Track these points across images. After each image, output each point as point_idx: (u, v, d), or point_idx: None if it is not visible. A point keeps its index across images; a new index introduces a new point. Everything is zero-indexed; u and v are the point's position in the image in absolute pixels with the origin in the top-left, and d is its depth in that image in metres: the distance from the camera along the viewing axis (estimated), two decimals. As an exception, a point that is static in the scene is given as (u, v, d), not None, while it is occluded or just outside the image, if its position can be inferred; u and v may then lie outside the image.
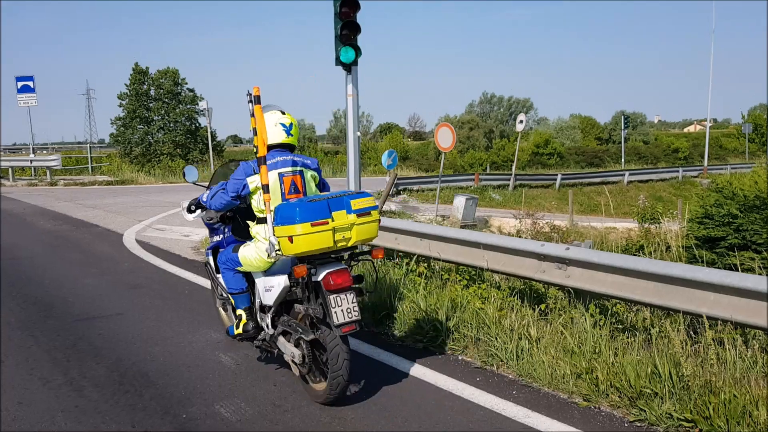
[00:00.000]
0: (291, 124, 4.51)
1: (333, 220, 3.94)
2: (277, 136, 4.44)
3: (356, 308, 4.03)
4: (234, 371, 4.79)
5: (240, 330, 4.76)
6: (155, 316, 6.27)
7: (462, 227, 14.25)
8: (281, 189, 4.37)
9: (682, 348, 4.38)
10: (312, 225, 3.87)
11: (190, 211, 5.21)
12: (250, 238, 4.59)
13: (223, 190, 4.53)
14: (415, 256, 6.76)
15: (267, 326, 4.57)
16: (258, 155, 4.15)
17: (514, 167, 29.21)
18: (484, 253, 5.92)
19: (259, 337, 4.70)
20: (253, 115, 4.19)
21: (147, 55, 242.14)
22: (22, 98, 25.41)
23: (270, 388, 4.47)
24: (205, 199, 4.89)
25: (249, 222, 4.60)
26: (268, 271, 4.51)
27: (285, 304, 4.46)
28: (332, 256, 4.17)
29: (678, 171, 35.78)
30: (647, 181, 33.23)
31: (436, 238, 6.53)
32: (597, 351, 4.55)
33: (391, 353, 5.15)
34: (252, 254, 4.45)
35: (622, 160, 42.91)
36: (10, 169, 24.94)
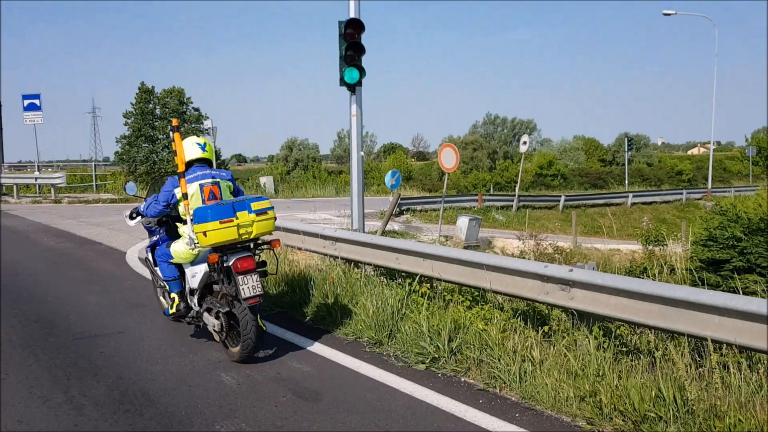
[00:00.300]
0: (205, 144, 5.82)
1: (237, 219, 5.18)
2: (194, 153, 5.74)
3: (259, 285, 5.27)
4: (235, 391, 4.77)
5: (174, 310, 6.07)
6: (157, 335, 6.25)
7: (465, 248, 14.22)
8: (202, 196, 5.59)
9: (687, 371, 4.34)
10: (221, 222, 5.12)
11: (131, 218, 6.43)
12: (179, 236, 5.86)
13: (156, 201, 5.74)
14: (418, 277, 6.74)
15: (194, 305, 5.85)
16: (178, 171, 5.33)
17: (517, 188, 29.21)
18: (486, 274, 5.90)
19: (189, 314, 5.98)
20: (173, 140, 5.33)
21: (153, 75, 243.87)
22: (28, 116, 25.55)
23: (271, 409, 4.44)
24: (142, 209, 6.12)
25: (178, 224, 5.87)
26: (194, 262, 5.81)
27: (207, 286, 5.72)
28: (239, 246, 5.37)
29: (682, 193, 35.76)
30: (651, 203, 33.20)
31: (439, 259, 6.51)
32: (601, 374, 4.51)
33: (393, 374, 5.12)
34: (181, 248, 5.72)
35: (626, 181, 42.93)
36: (14, 186, 25.02)
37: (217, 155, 32.09)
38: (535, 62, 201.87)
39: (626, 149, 44.20)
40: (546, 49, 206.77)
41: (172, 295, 6.06)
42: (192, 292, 5.89)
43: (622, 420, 4.06)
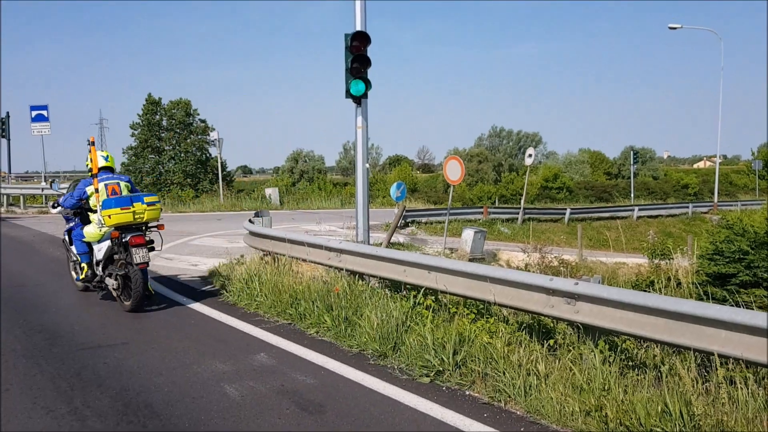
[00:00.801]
0: (107, 156, 8.29)
1: (133, 207, 7.56)
2: (102, 162, 8.10)
3: (147, 255, 7.60)
4: (239, 403, 4.75)
5: (83, 276, 8.33)
6: (161, 346, 6.24)
7: (470, 260, 14.19)
8: (106, 192, 7.81)
9: (693, 386, 4.31)
10: (121, 209, 7.49)
11: (53, 207, 8.60)
12: (90, 222, 8.14)
13: (71, 196, 8.07)
14: (423, 289, 6.72)
15: (99, 272, 8.08)
16: (91, 174, 7.85)
17: (523, 201, 29.16)
18: (492, 286, 5.88)
19: (95, 280, 8.22)
20: (90, 152, 7.81)
21: (160, 86, 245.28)
22: (36, 127, 25.72)
23: (275, 421, 4.42)
24: (61, 201, 8.29)
25: (89, 213, 8.15)
26: (100, 241, 8.05)
27: (110, 258, 7.88)
28: (134, 227, 7.67)
29: (688, 207, 35.63)
30: (657, 216, 33.08)
31: (444, 271, 6.49)
32: (606, 388, 4.48)
33: (397, 387, 5.09)
34: (92, 230, 8.07)
35: (632, 195, 42.85)
36: (21, 197, 25.13)
37: (223, 167, 32.23)
38: (540, 75, 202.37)
39: (632, 162, 44.16)
40: (551, 62, 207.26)
41: (83, 265, 8.33)
42: (98, 263, 8.07)
43: (628, 435, 4.02)
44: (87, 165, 7.99)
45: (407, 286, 7.17)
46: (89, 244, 8.20)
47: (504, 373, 4.93)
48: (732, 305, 5.48)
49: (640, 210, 33.02)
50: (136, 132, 37.92)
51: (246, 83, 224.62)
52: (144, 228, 7.79)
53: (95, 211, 7.84)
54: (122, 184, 8.00)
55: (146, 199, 7.67)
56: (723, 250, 9.16)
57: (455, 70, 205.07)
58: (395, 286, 7.52)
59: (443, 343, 5.54)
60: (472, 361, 5.27)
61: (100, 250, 7.99)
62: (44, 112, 25.75)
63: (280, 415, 4.52)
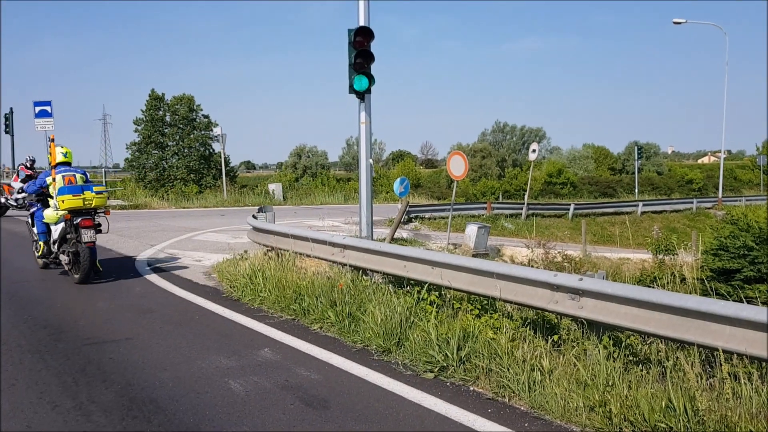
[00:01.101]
0: (66, 152, 9.54)
1: (83, 195, 9.00)
2: (60, 157, 9.42)
3: (95, 235, 9.00)
4: (243, 398, 4.76)
5: (40, 252, 9.94)
6: (165, 341, 6.26)
7: (474, 256, 14.18)
8: (63, 182, 9.09)
9: (697, 382, 4.31)
10: (73, 196, 8.92)
11: (19, 193, 10.39)
12: (49, 207, 9.44)
13: (33, 184, 9.66)
14: (426, 285, 6.71)
15: (55, 249, 9.52)
16: (51, 166, 9.26)
17: (526, 196, 29.15)
18: (496, 282, 5.88)
19: (51, 256, 9.70)
20: (50, 148, 9.30)
21: (163, 82, 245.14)
22: (39, 123, 25.74)
23: (279, 416, 4.43)
24: (26, 188, 10.09)
25: (49, 199, 9.46)
26: (56, 223, 9.31)
27: (63, 238, 9.21)
28: (84, 211, 9.03)
29: (692, 202, 35.56)
30: (661, 212, 33.03)
31: (448, 267, 6.49)
32: (610, 383, 4.48)
33: (401, 383, 5.10)
34: (50, 213, 9.31)
35: (636, 190, 42.74)
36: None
37: (226, 162, 32.24)
38: (544, 70, 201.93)
39: (636, 158, 43.98)
40: (555, 57, 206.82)
41: (40, 243, 9.87)
42: (54, 242, 9.48)
43: (632, 430, 4.03)
44: (48, 158, 9.57)
45: (411, 281, 7.17)
46: (48, 226, 9.62)
47: (508, 369, 4.94)
48: (736, 301, 5.47)
49: (644, 205, 32.97)
50: (139, 128, 37.88)
51: (249, 79, 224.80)
52: (93, 213, 9.18)
53: (52, 197, 9.27)
54: (78, 176, 9.37)
55: (95, 189, 9.25)
56: (728, 245, 9.13)
57: (458, 65, 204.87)
58: (399, 281, 7.52)
59: (447, 338, 5.54)
60: (476, 356, 5.27)
61: (56, 231, 9.40)
62: (48, 108, 25.77)
63: (284, 411, 4.53)
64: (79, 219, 8.90)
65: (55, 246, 9.45)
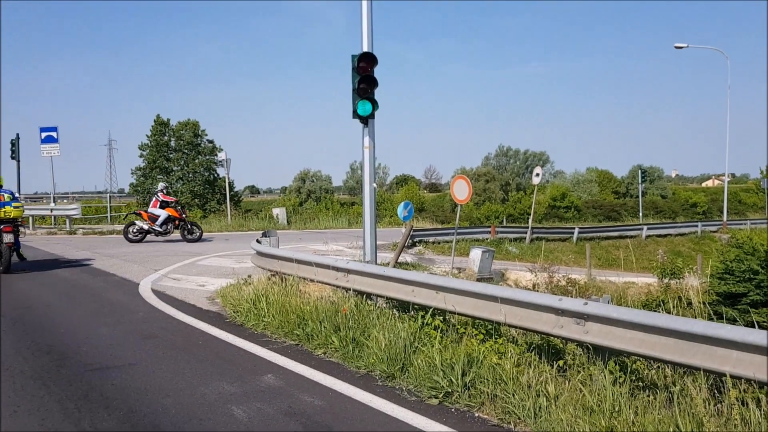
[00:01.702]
0: None
1: (4, 209, 12.39)
2: None
3: (12, 238, 12.55)
4: (246, 424, 4.72)
5: None
6: (168, 367, 6.23)
7: (478, 280, 14.13)
8: None
9: (705, 407, 4.26)
10: None
11: None
12: None
13: None
14: (431, 309, 6.69)
15: None
16: None
17: (530, 220, 29.15)
18: (500, 306, 5.85)
19: None
20: None
21: (169, 107, 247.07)
22: (45, 148, 25.91)
23: (282, 443, 4.38)
24: None
25: None
26: None
27: None
28: (6, 221, 12.44)
29: (697, 226, 35.50)
30: (666, 235, 32.97)
31: (452, 291, 6.46)
32: (617, 409, 4.43)
33: (405, 408, 5.05)
34: None
35: (640, 214, 42.73)
36: (30, 218, 25.26)
37: (231, 187, 32.35)
38: (547, 95, 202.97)
39: (640, 181, 44.07)
40: (558, 82, 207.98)
41: None
42: None
43: (640, 457, 3.97)
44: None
45: (415, 306, 7.14)
46: None
47: (513, 395, 4.89)
48: (743, 325, 5.43)
49: (648, 229, 32.94)
50: (144, 153, 38.17)
51: (254, 103, 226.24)
52: (13, 222, 12.62)
53: None
54: (6, 195, 12.62)
55: (13, 204, 12.59)
56: (733, 269, 9.09)
57: (462, 89, 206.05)
58: (403, 306, 7.49)
59: (452, 364, 5.50)
60: (481, 382, 5.23)
61: None
62: (54, 134, 25.96)
63: (287, 437, 4.48)
64: (2, 226, 12.36)
65: None
